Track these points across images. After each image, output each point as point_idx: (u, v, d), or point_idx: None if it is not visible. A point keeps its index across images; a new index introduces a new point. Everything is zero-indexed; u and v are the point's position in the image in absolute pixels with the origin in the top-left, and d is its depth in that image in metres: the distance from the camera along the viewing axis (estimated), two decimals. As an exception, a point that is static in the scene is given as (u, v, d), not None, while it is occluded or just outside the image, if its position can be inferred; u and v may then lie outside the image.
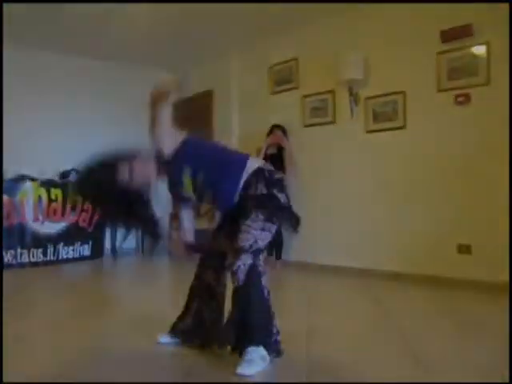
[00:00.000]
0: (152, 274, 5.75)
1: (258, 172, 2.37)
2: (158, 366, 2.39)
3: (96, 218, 6.41)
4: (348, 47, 5.39)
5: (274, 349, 2.34)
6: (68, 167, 6.36)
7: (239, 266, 2.28)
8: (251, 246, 2.29)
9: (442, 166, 4.72)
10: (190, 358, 2.50)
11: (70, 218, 6.20)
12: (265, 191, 2.33)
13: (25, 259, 5.71)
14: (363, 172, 5.33)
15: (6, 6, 4.62)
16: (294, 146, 5.84)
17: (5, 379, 1.98)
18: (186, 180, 2.42)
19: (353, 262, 5.31)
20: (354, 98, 5.40)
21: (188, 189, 2.46)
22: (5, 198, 5.54)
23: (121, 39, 6.27)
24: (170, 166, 2.44)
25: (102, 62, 7.00)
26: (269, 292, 2.37)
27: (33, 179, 5.85)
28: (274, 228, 2.37)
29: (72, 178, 6.34)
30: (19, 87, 6.25)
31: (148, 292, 4.44)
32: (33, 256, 5.80)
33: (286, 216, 2.39)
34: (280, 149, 5.83)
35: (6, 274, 5.15)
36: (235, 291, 2.32)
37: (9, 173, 5.77)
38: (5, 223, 5.54)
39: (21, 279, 5.12)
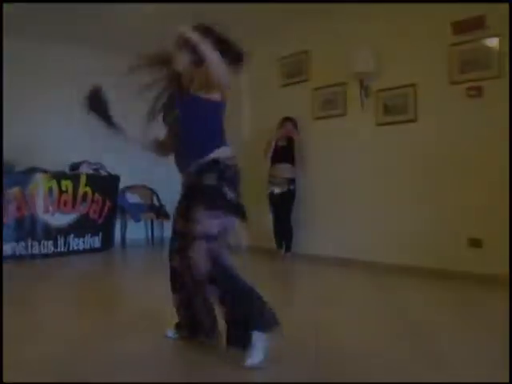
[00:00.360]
0: (161, 266, 5.72)
1: (213, 163, 2.35)
2: (161, 361, 2.40)
3: (106, 209, 6.45)
4: (359, 39, 5.35)
5: (271, 320, 2.31)
6: (78, 159, 6.39)
7: (197, 253, 2.26)
8: (205, 233, 2.27)
9: (453, 160, 4.68)
10: (194, 351, 2.51)
11: (81, 209, 6.23)
12: (213, 183, 2.31)
13: (35, 251, 5.74)
14: (373, 165, 5.31)
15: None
16: (304, 139, 5.83)
17: (5, 379, 1.99)
18: (169, 117, 2.51)
19: (363, 255, 5.30)
20: (364, 90, 5.37)
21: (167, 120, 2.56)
22: (16, 189, 5.57)
23: (128, 34, 6.29)
24: (177, 93, 2.49)
25: (112, 54, 6.98)
26: (236, 272, 2.35)
27: (44, 171, 5.88)
28: (224, 216, 2.34)
29: (82, 169, 6.36)
30: (27, 80, 6.27)
31: (157, 284, 4.44)
32: (43, 247, 5.83)
33: (232, 210, 2.37)
34: (290, 141, 5.81)
35: (17, 266, 5.21)
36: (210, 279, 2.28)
37: (20, 165, 5.80)
38: (16, 215, 5.57)
39: (32, 271, 5.16)
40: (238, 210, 2.39)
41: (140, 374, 2.20)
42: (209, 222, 2.29)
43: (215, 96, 2.40)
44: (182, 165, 2.48)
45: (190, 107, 2.41)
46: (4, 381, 1.95)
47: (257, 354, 2.22)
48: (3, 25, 5.26)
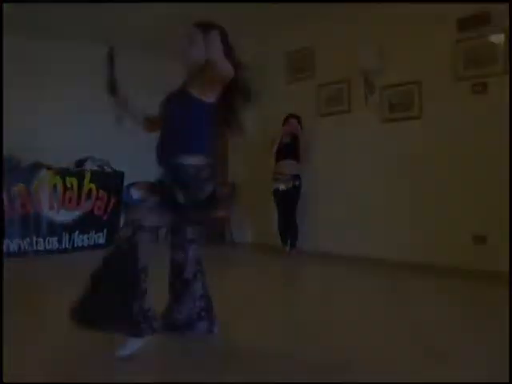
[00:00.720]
0: (165, 262, 5.72)
1: (176, 167, 2.37)
2: (162, 361, 2.42)
3: (111, 206, 6.45)
4: (364, 36, 5.33)
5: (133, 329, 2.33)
6: (83, 156, 6.40)
7: (124, 231, 2.32)
8: (133, 220, 2.30)
9: (457, 156, 4.66)
10: (194, 351, 2.52)
11: (86, 206, 6.24)
12: (167, 184, 2.36)
13: (40, 247, 5.77)
14: (377, 161, 5.29)
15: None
16: (308, 135, 5.81)
17: (5, 379, 1.98)
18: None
19: (367, 251, 5.28)
20: (369, 87, 5.35)
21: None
22: (20, 186, 5.60)
23: (133, 30, 6.28)
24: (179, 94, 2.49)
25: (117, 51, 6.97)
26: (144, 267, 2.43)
27: (48, 167, 5.90)
28: (159, 214, 2.37)
29: (87, 166, 6.37)
30: (31, 77, 6.27)
31: (161, 281, 4.45)
32: (48, 244, 5.86)
33: (175, 211, 2.41)
34: (295, 138, 5.80)
35: (22, 263, 5.22)
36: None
37: (24, 161, 5.81)
38: (20, 211, 5.60)
39: (36, 267, 5.17)
40: (183, 213, 2.44)
41: (140, 374, 2.20)
42: (146, 214, 2.33)
43: (210, 97, 2.41)
44: (158, 156, 2.49)
45: (180, 106, 2.42)
46: (4, 381, 1.95)
47: (130, 346, 2.31)
48: (3, 24, 5.25)
